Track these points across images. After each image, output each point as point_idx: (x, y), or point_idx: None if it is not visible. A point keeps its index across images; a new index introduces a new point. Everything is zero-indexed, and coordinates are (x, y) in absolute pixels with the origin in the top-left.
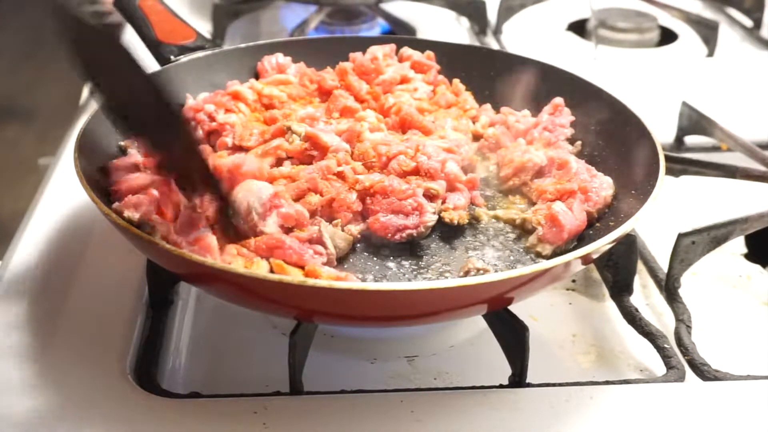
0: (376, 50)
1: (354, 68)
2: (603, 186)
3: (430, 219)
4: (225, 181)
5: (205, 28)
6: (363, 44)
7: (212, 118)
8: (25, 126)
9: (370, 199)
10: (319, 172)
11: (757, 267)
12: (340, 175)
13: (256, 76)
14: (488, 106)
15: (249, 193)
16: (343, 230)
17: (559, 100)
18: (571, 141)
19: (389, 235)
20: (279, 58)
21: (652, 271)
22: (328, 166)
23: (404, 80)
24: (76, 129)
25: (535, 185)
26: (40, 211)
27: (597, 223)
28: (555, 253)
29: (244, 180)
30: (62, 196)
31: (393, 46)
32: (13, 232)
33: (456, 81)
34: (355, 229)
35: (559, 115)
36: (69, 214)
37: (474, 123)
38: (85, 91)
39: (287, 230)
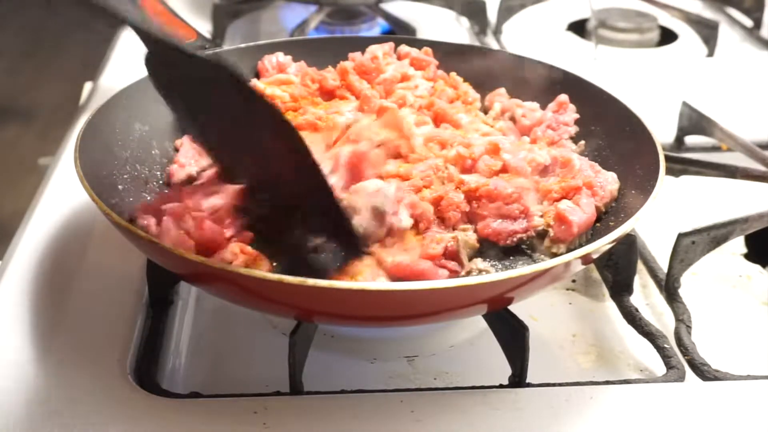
0: (375, 49)
1: (354, 68)
2: (608, 180)
3: (539, 223)
4: (342, 173)
5: (205, 28)
6: (363, 44)
7: None
8: (25, 126)
9: (476, 203)
10: (428, 170)
11: (757, 267)
12: (449, 175)
13: (257, 76)
14: (503, 90)
15: (371, 197)
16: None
17: (563, 98)
18: (575, 139)
19: (501, 240)
20: (279, 57)
21: (652, 271)
22: (437, 165)
23: (405, 78)
24: (76, 129)
25: (540, 186)
26: (40, 211)
27: (597, 223)
28: (570, 251)
29: (367, 174)
30: (62, 196)
31: (392, 44)
32: (13, 232)
33: (453, 74)
34: (473, 237)
35: (564, 113)
36: (69, 214)
37: (485, 114)
38: (85, 91)
39: (415, 223)
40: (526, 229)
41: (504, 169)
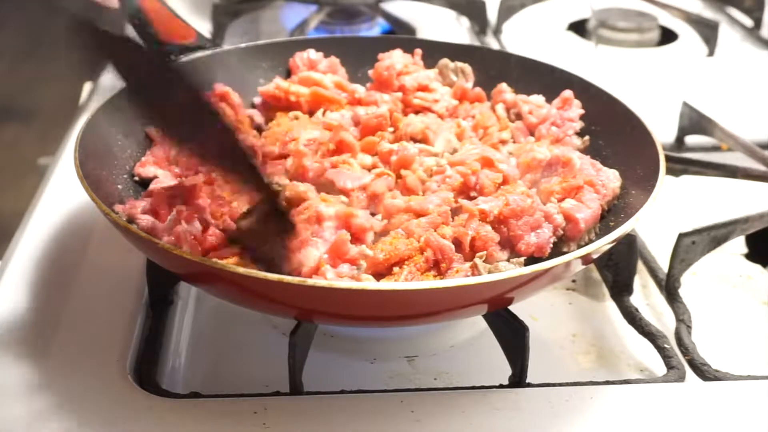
0: (396, 60)
1: (373, 75)
2: (610, 178)
3: (560, 220)
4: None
5: (205, 28)
6: (363, 44)
7: None
8: (25, 126)
9: (504, 226)
10: (445, 205)
11: (758, 267)
12: (467, 209)
13: (288, 73)
14: (504, 86)
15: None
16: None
17: (568, 93)
18: (581, 134)
19: (545, 253)
20: (311, 54)
21: (652, 271)
22: (448, 198)
23: (423, 89)
24: (76, 129)
25: (543, 186)
26: (40, 211)
27: (599, 222)
28: (580, 247)
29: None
30: (62, 196)
31: (419, 51)
32: (13, 232)
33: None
34: (505, 256)
35: (568, 109)
36: (69, 214)
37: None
38: (85, 91)
39: (435, 264)
40: (555, 230)
41: (505, 180)
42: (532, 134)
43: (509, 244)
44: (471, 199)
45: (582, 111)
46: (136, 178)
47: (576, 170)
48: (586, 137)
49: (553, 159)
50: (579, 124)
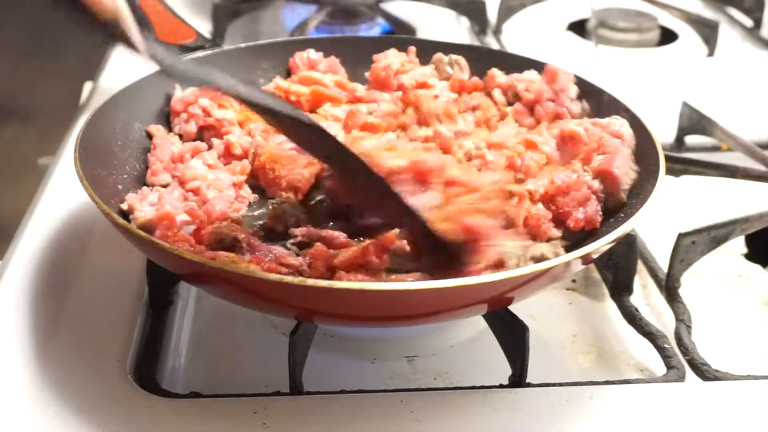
0: (392, 59)
1: (370, 76)
2: (616, 124)
3: (597, 185)
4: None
5: (205, 28)
6: (363, 44)
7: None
8: (25, 126)
9: (553, 205)
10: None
11: (757, 267)
12: (516, 192)
13: (288, 73)
14: (496, 71)
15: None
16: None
17: (551, 66)
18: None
19: (597, 224)
20: (311, 54)
21: (652, 271)
22: (501, 180)
23: (423, 86)
24: (76, 129)
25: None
26: (40, 211)
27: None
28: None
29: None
30: (62, 196)
31: (413, 49)
32: (13, 232)
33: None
34: (559, 233)
35: (556, 82)
36: (69, 214)
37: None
38: (85, 91)
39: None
40: (598, 197)
41: (548, 161)
42: (531, 112)
43: (560, 222)
44: (517, 182)
45: (572, 75)
46: (149, 186)
47: (583, 139)
48: (584, 101)
49: (558, 140)
50: (575, 90)
